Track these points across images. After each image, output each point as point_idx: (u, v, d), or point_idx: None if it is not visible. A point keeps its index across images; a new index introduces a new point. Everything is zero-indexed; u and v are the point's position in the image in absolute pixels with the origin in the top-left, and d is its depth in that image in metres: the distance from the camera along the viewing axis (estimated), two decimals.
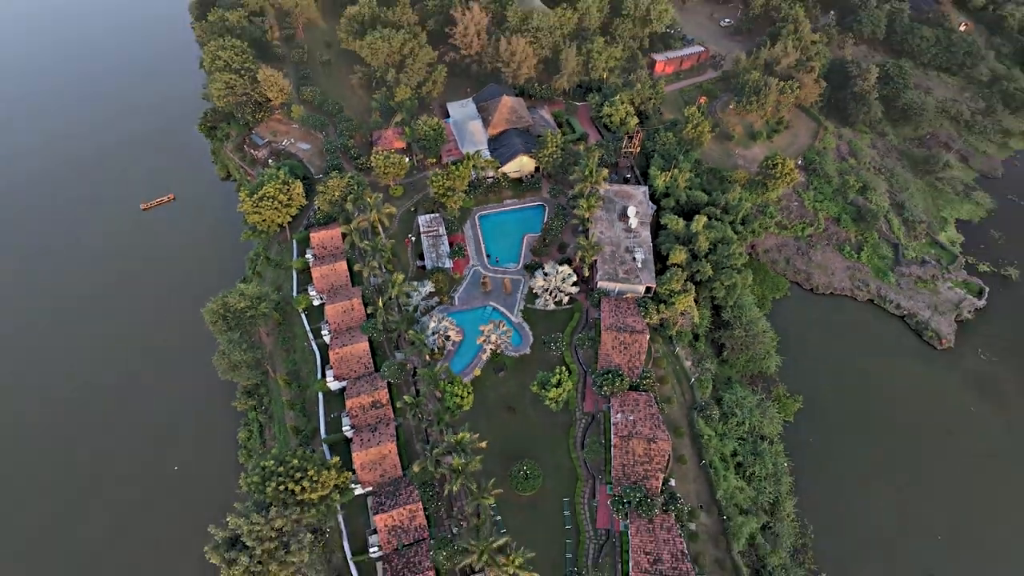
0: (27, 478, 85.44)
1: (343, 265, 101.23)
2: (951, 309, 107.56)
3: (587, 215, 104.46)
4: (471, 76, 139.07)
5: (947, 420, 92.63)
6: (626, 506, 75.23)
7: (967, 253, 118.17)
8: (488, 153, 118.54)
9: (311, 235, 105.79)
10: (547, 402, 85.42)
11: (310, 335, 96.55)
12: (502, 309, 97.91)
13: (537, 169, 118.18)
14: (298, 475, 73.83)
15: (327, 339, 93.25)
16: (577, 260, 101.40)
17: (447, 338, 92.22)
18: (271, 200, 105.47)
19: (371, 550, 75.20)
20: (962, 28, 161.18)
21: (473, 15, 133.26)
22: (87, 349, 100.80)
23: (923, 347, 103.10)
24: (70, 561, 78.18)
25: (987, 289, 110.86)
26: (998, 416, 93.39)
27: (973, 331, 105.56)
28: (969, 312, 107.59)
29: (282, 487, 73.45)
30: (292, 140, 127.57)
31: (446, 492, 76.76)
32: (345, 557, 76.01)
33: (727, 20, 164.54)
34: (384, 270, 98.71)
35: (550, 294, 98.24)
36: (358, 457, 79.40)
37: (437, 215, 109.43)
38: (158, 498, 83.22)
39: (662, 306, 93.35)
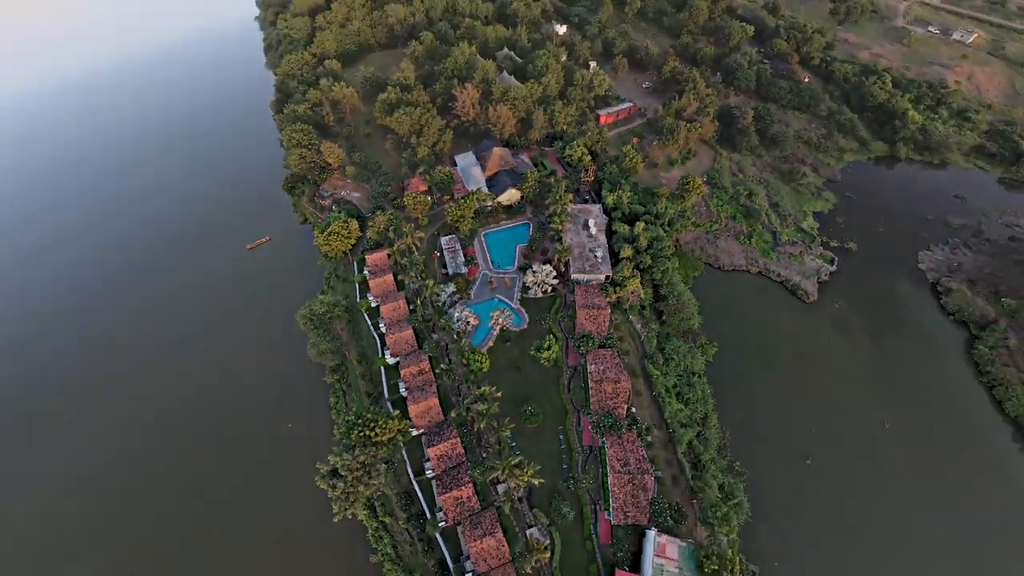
0: (192, 442, 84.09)
1: (390, 277, 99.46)
2: (813, 274, 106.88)
3: (560, 227, 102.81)
4: (470, 135, 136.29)
5: (815, 349, 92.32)
6: (602, 428, 74.69)
7: (821, 235, 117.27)
8: (486, 189, 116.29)
9: (366, 257, 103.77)
10: (542, 361, 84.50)
11: (371, 327, 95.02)
12: (505, 299, 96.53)
13: (522, 198, 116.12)
14: (372, 424, 72.96)
15: (384, 329, 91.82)
16: (555, 260, 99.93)
17: (468, 323, 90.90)
18: (336, 234, 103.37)
19: (427, 472, 74.46)
20: (806, 80, 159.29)
21: (468, 92, 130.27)
22: (221, 347, 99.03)
23: (796, 302, 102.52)
24: (225, 495, 77.16)
25: (836, 258, 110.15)
26: (846, 344, 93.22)
27: (828, 288, 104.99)
28: (825, 275, 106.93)
29: (362, 434, 72.61)
30: (347, 192, 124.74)
31: (475, 429, 76.01)
32: (409, 478, 75.32)
33: (647, 83, 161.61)
34: (419, 278, 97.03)
35: (538, 286, 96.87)
36: (412, 409, 78.44)
37: (453, 236, 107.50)
38: (280, 447, 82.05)
39: (617, 288, 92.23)
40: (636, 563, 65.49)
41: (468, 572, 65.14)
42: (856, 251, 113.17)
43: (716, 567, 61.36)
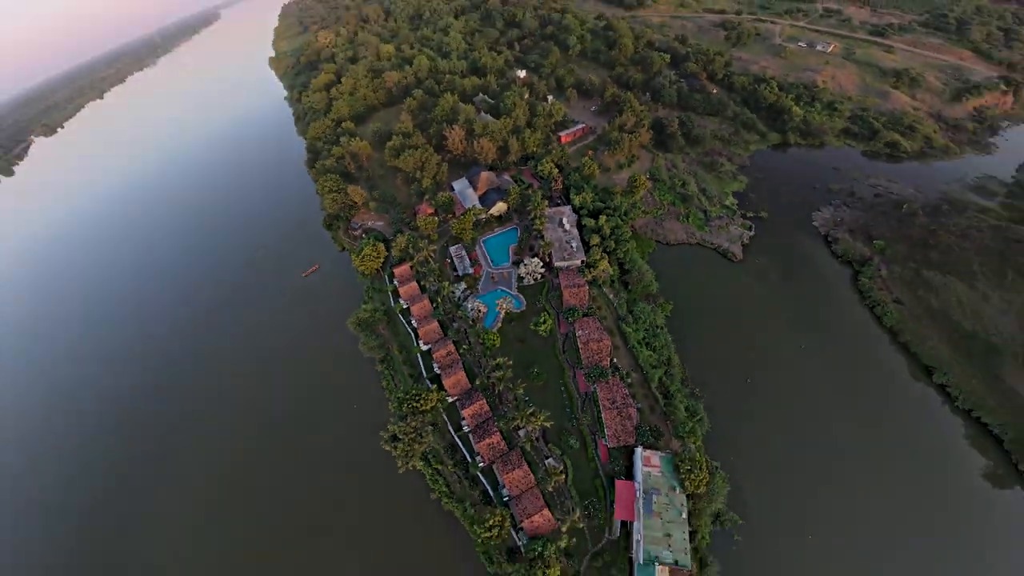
0: (287, 429, 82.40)
1: (415, 284, 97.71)
2: (738, 239, 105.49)
3: (540, 227, 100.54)
4: (461, 164, 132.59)
5: (745, 296, 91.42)
6: (593, 377, 74.03)
7: (740, 209, 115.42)
8: (479, 205, 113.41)
9: (394, 270, 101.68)
10: (540, 333, 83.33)
11: (406, 324, 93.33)
12: (505, 289, 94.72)
13: (509, 208, 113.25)
14: (417, 398, 71.92)
15: (415, 324, 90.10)
16: (541, 253, 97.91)
17: (479, 311, 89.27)
18: (369, 256, 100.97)
19: (464, 428, 73.78)
20: (715, 92, 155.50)
21: (456, 132, 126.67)
22: (295, 355, 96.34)
23: (727, 262, 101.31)
24: (317, 459, 75.85)
25: (753, 225, 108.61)
26: (766, 289, 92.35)
27: (750, 249, 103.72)
28: (746, 240, 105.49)
29: (410, 405, 71.58)
30: (373, 222, 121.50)
31: (496, 391, 75.31)
32: (451, 434, 74.71)
33: (594, 107, 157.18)
34: (437, 282, 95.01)
35: (530, 275, 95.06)
36: (446, 382, 77.48)
37: (459, 245, 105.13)
38: (351, 423, 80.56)
39: (591, 269, 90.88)
40: (629, 473, 66.54)
41: (505, 497, 65.12)
42: (767, 218, 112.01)
43: (688, 467, 63.00)
